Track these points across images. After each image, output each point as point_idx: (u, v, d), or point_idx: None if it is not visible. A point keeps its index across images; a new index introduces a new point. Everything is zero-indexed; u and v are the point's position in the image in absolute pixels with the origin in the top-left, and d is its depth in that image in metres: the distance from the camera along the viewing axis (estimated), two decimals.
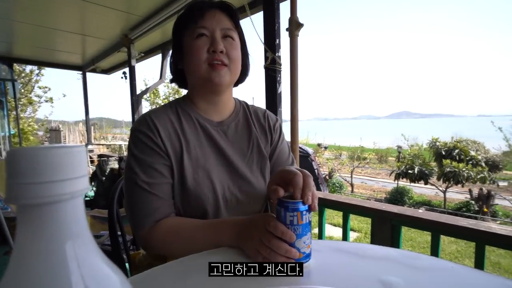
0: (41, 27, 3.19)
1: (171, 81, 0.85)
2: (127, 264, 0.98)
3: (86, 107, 5.58)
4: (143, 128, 0.72)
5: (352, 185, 11.13)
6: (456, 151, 9.18)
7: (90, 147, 5.90)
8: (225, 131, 0.80)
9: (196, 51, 0.72)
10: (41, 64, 5.47)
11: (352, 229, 5.65)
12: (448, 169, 8.26)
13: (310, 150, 8.97)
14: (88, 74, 5.40)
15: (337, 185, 10.08)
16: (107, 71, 5.32)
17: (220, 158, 0.77)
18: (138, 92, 3.90)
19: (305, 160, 7.86)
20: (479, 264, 1.23)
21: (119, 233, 1.01)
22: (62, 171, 0.18)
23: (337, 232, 5.25)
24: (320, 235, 1.81)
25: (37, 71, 10.32)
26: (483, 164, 8.87)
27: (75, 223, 0.19)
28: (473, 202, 7.61)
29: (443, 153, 9.38)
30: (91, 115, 5.96)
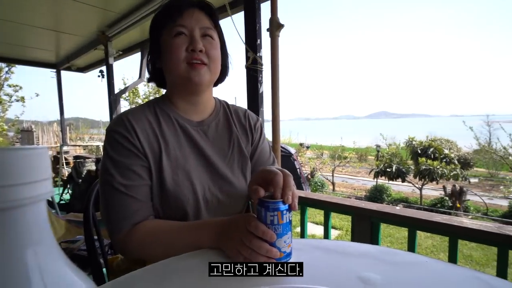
0: (11, 22, 3.02)
1: (149, 80, 0.83)
2: (104, 270, 0.95)
3: (60, 106, 5.35)
4: (119, 128, 0.69)
5: (333, 183, 11.35)
6: (431, 149, 9.60)
7: (65, 148, 5.65)
8: (205, 131, 0.79)
9: (175, 49, 0.70)
10: (11, 61, 5.18)
11: (333, 227, 5.76)
12: (423, 167, 8.62)
13: (292, 150, 9.06)
14: (63, 72, 5.18)
15: (319, 184, 10.25)
16: (83, 69, 5.13)
17: (200, 159, 0.76)
18: (116, 91, 3.78)
19: (288, 159, 7.94)
20: (453, 257, 1.29)
21: (95, 237, 0.98)
22: (23, 174, 0.17)
23: (319, 230, 5.33)
24: (302, 234, 1.83)
25: (6, 69, 9.76)
26: (456, 162, 9.32)
27: (37, 229, 0.18)
28: (447, 198, 7.98)
29: (419, 151, 9.77)
30: (66, 115, 5.72)
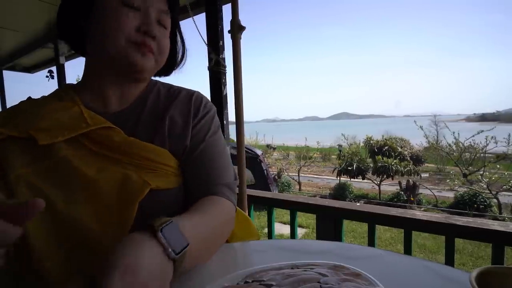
0: None
1: (60, 36, 0.64)
2: None
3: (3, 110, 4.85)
4: None
5: (299, 183, 11.65)
6: (386, 147, 10.29)
7: None
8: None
9: (123, 23, 0.57)
10: None
11: (300, 226, 5.90)
12: (380, 164, 9.20)
13: (259, 152, 9.12)
14: (6, 72, 4.70)
15: (286, 184, 10.45)
16: (30, 69, 4.69)
17: None
18: None
19: (255, 161, 7.97)
20: (407, 247, 1.38)
21: None
22: None
23: (287, 229, 5.43)
24: (270, 234, 1.85)
25: None
26: (408, 159, 10.10)
27: None
28: (402, 192, 8.59)
29: (376, 150, 10.43)
30: None
